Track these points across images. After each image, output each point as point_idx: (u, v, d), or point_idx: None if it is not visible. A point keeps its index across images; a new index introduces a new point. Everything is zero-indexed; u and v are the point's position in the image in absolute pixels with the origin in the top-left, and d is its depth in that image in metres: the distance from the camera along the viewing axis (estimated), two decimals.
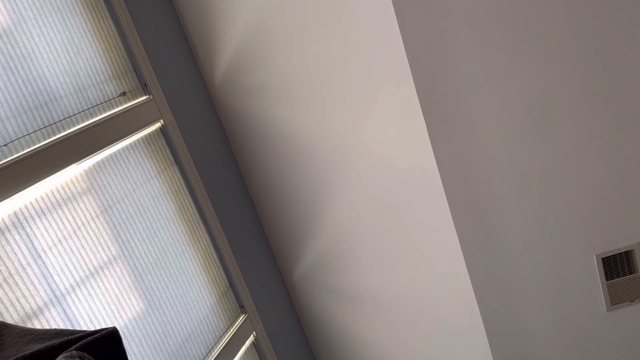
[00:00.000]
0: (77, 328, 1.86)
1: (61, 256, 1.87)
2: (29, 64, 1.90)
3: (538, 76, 2.47)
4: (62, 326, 1.81)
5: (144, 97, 2.37)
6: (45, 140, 1.90)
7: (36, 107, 1.89)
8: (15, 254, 1.72)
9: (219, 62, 2.70)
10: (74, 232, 1.93)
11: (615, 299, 2.76)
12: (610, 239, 2.68)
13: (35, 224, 1.81)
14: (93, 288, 1.95)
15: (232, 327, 2.59)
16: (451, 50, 2.46)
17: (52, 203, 1.88)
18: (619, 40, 2.40)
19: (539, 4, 2.37)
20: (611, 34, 2.39)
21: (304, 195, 2.86)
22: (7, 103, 1.80)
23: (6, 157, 1.76)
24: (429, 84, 2.50)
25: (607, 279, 2.74)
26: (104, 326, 1.96)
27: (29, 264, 1.75)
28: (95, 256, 1.99)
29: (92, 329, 1.90)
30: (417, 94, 2.50)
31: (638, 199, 2.61)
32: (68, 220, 1.92)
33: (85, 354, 1.08)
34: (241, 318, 2.66)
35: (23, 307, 1.71)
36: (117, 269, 2.07)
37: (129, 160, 2.23)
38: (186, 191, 2.49)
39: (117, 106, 2.23)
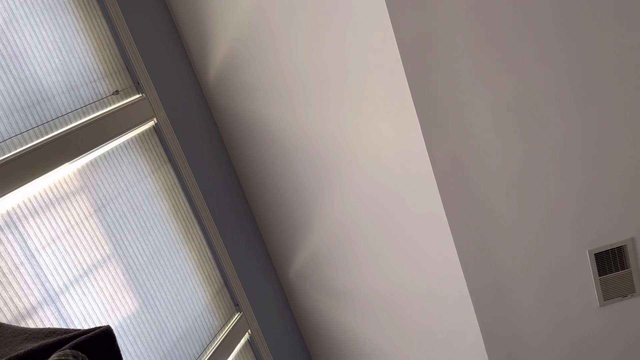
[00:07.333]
0: (71, 327, 1.86)
1: (54, 255, 1.86)
2: (20, 62, 1.89)
3: (531, 75, 2.47)
4: (55, 325, 1.80)
5: (137, 96, 2.36)
6: (37, 139, 1.89)
7: (28, 106, 1.88)
8: (9, 254, 1.72)
9: (212, 60, 2.70)
10: (67, 231, 1.93)
11: (608, 295, 2.78)
12: (602, 234, 2.69)
13: (28, 223, 1.80)
14: (87, 287, 1.95)
15: (227, 325, 2.59)
16: (444, 49, 2.46)
17: (45, 202, 1.88)
18: (612, 40, 2.41)
19: (532, 3, 2.37)
20: (605, 33, 2.40)
21: (298, 193, 2.86)
22: None
23: None
24: (422, 83, 2.50)
25: (599, 275, 2.75)
26: (97, 325, 1.96)
27: (22, 263, 1.75)
28: (88, 255, 1.99)
29: (85, 327, 1.90)
30: (411, 93, 2.51)
31: (630, 195, 2.63)
32: (61, 219, 1.92)
33: (79, 353, 1.08)
34: (236, 316, 2.66)
35: (16, 307, 1.70)
36: (111, 268, 2.07)
37: (122, 159, 2.22)
38: (180, 189, 2.49)
39: (110, 105, 2.23)
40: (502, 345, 2.93)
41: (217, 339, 2.51)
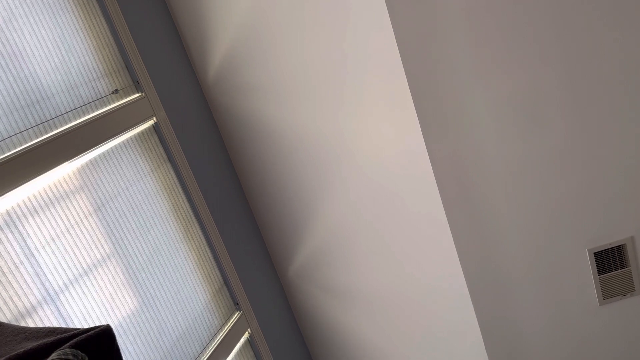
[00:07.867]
0: (71, 326, 1.86)
1: (54, 254, 1.86)
2: (20, 61, 1.89)
3: (530, 74, 2.47)
4: (55, 324, 1.80)
5: (137, 95, 2.36)
6: (37, 138, 1.89)
7: (28, 105, 1.88)
8: (8, 253, 1.72)
9: (212, 59, 2.70)
10: (67, 230, 1.93)
11: (608, 293, 2.78)
12: (602, 233, 2.69)
13: (27, 222, 1.80)
14: (87, 286, 1.95)
15: (227, 324, 2.59)
16: (444, 49, 2.46)
17: (44, 201, 1.87)
18: (613, 39, 2.41)
19: (532, 2, 2.37)
20: (605, 32, 2.40)
21: (297, 192, 2.86)
22: None
23: None
24: (422, 83, 2.50)
25: (599, 274, 2.75)
26: (97, 324, 1.96)
27: (21, 262, 1.75)
28: (88, 254, 1.99)
29: (85, 327, 1.90)
30: (411, 93, 2.50)
31: (629, 194, 2.63)
32: (61, 218, 1.92)
33: (79, 352, 1.08)
34: (236, 315, 2.66)
35: (16, 306, 1.70)
36: (111, 267, 2.06)
37: (121, 158, 2.22)
38: (179, 189, 2.49)
39: (110, 104, 2.23)
40: (502, 345, 2.93)
41: (216, 338, 2.50)
